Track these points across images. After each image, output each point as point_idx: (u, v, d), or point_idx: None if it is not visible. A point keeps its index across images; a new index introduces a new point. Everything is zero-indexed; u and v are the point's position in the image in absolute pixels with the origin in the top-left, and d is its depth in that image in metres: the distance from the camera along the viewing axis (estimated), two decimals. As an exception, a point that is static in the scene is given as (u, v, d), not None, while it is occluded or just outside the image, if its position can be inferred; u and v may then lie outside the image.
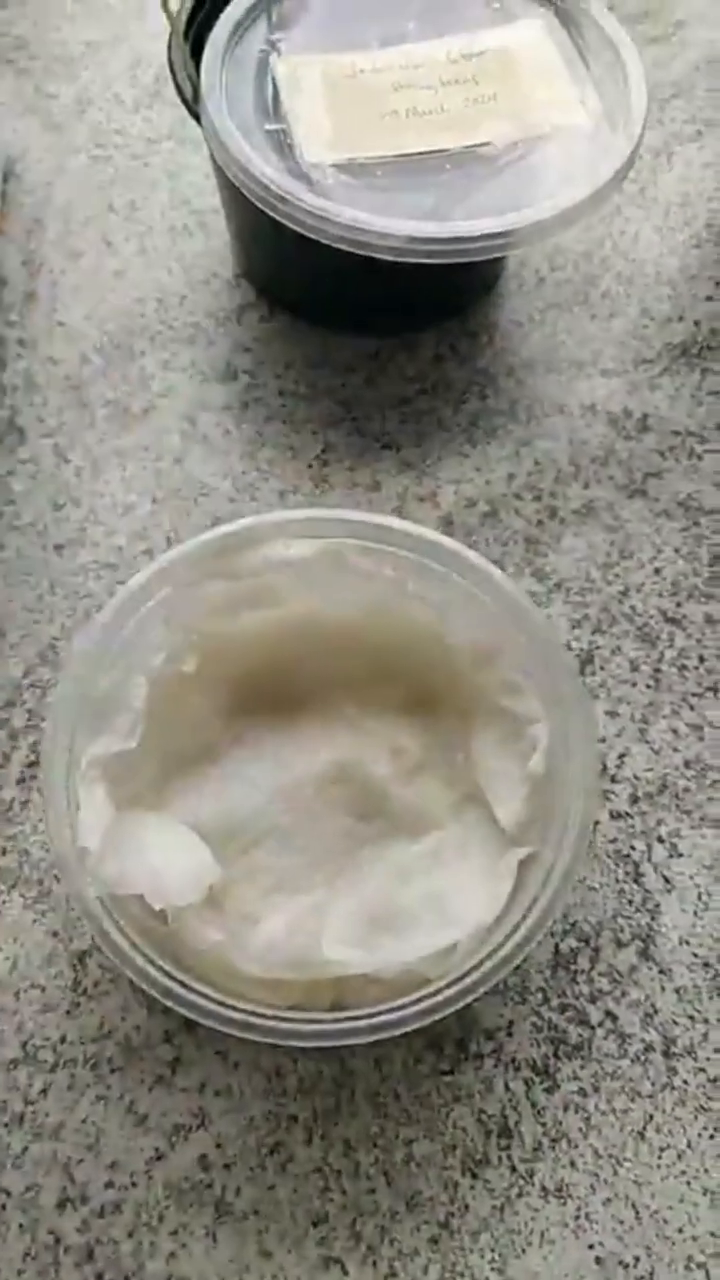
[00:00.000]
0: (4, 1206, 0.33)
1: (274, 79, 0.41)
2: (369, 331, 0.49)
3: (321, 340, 0.50)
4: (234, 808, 0.36)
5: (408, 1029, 0.29)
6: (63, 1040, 0.35)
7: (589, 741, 0.32)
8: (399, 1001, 0.30)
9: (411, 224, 0.37)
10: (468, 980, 0.30)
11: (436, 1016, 0.29)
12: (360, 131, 0.40)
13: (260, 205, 0.38)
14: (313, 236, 0.38)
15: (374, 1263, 0.32)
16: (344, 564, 0.35)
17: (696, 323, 0.51)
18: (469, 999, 0.29)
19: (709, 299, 0.52)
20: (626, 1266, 0.32)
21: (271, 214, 0.38)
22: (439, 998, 0.29)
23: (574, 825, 0.31)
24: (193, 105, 0.41)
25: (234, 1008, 0.30)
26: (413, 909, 0.33)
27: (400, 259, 0.38)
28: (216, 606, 0.35)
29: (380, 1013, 0.29)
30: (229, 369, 0.49)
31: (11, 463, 0.46)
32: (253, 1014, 0.29)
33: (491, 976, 0.30)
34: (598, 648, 0.43)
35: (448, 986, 0.30)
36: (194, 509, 0.45)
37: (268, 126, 0.40)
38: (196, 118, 0.41)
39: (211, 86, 0.40)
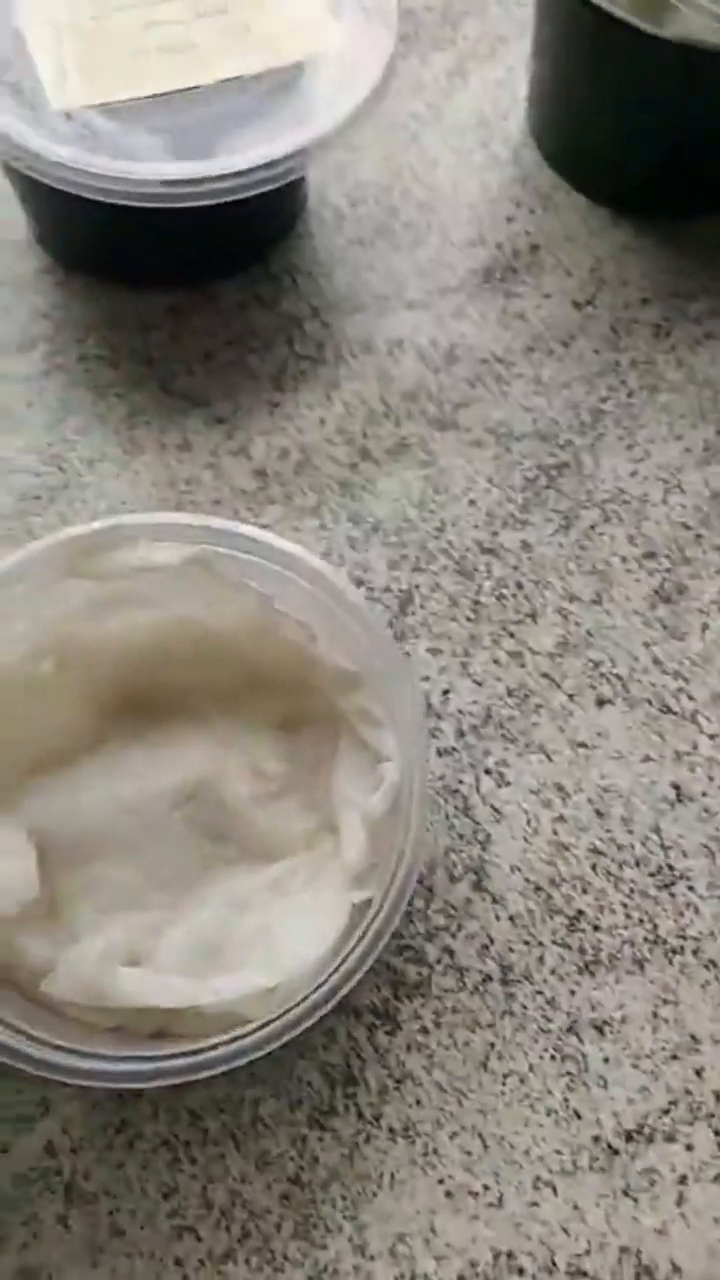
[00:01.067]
0: None
1: (16, 26, 0.39)
2: (168, 285, 0.48)
3: (121, 300, 0.48)
4: (82, 816, 0.35)
5: (212, 1072, 0.29)
6: None
7: (423, 786, 0.32)
8: (203, 1046, 0.29)
9: (164, 166, 0.36)
10: (281, 1022, 0.30)
11: (236, 1064, 0.29)
12: (110, 74, 0.39)
13: (12, 164, 0.37)
14: (65, 189, 0.36)
15: (227, 1227, 0.32)
16: (212, 573, 0.34)
17: (499, 245, 0.51)
18: (272, 1046, 0.29)
19: (509, 220, 0.52)
20: (476, 1195, 0.33)
21: (20, 169, 0.36)
22: (244, 1041, 0.29)
23: (402, 871, 0.31)
24: (-71, 64, 0.39)
25: (36, 1040, 0.29)
26: (244, 942, 0.33)
27: (159, 204, 0.36)
28: (80, 608, 0.34)
29: (179, 1055, 0.29)
30: (26, 338, 0.47)
31: None
32: (54, 1047, 0.29)
33: (300, 1022, 0.29)
34: (417, 586, 0.43)
35: (260, 1028, 0.30)
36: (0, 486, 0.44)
37: (12, 77, 0.38)
38: (-66, 78, 0.39)
39: (-54, 43, 0.38)
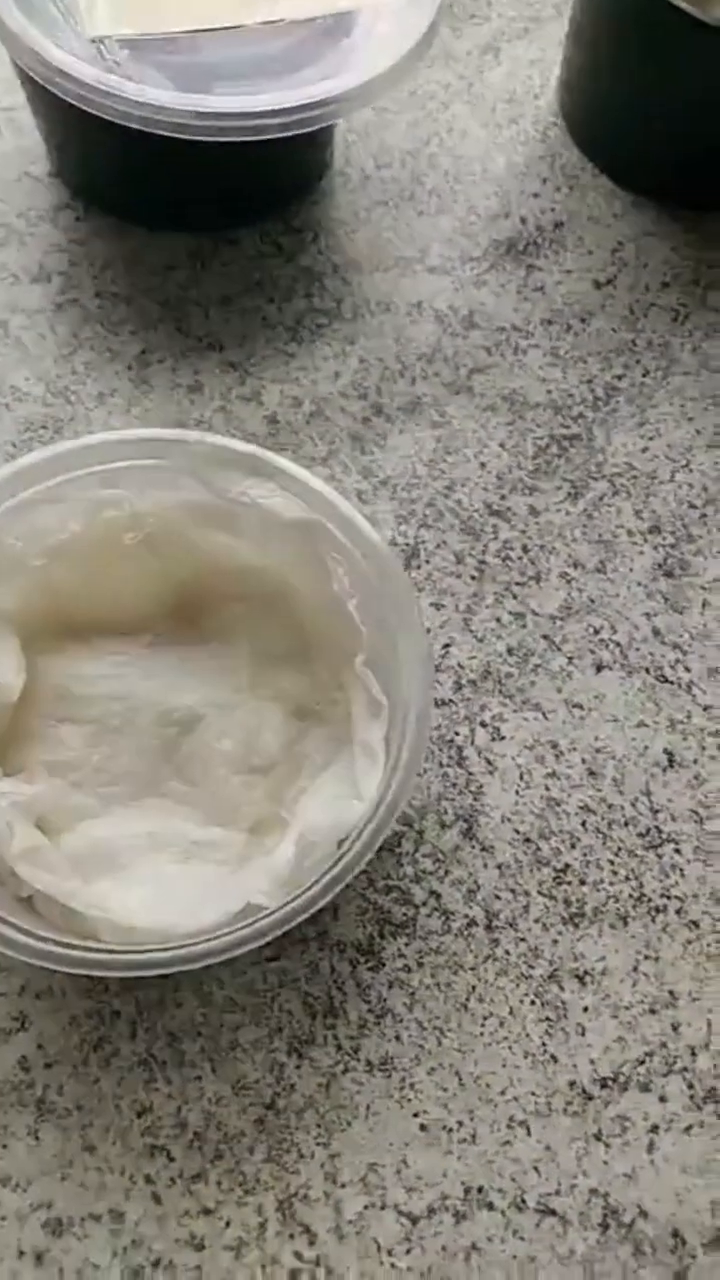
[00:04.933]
0: None
1: (57, -50, 0.39)
2: (188, 228, 0.48)
3: (140, 239, 0.48)
4: (86, 682, 0.35)
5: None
6: None
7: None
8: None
9: (196, 98, 0.36)
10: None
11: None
12: (150, 5, 0.39)
13: (42, 82, 0.37)
14: (97, 113, 0.36)
15: (200, 1148, 0.32)
16: (312, 544, 0.34)
17: (523, 219, 0.51)
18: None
19: (535, 195, 0.52)
20: (450, 1131, 0.33)
21: (54, 90, 0.36)
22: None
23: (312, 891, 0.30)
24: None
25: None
26: (142, 876, 0.33)
27: (183, 135, 0.36)
28: (187, 506, 0.35)
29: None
30: (42, 271, 0.47)
31: None
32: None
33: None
34: (423, 542, 0.43)
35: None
36: (6, 414, 0.44)
37: (49, 1, 0.38)
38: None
39: (-10, -41, 0.38)
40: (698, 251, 0.51)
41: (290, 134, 0.37)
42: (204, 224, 0.48)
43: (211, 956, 0.29)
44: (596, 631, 0.41)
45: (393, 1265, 0.31)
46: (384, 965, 0.35)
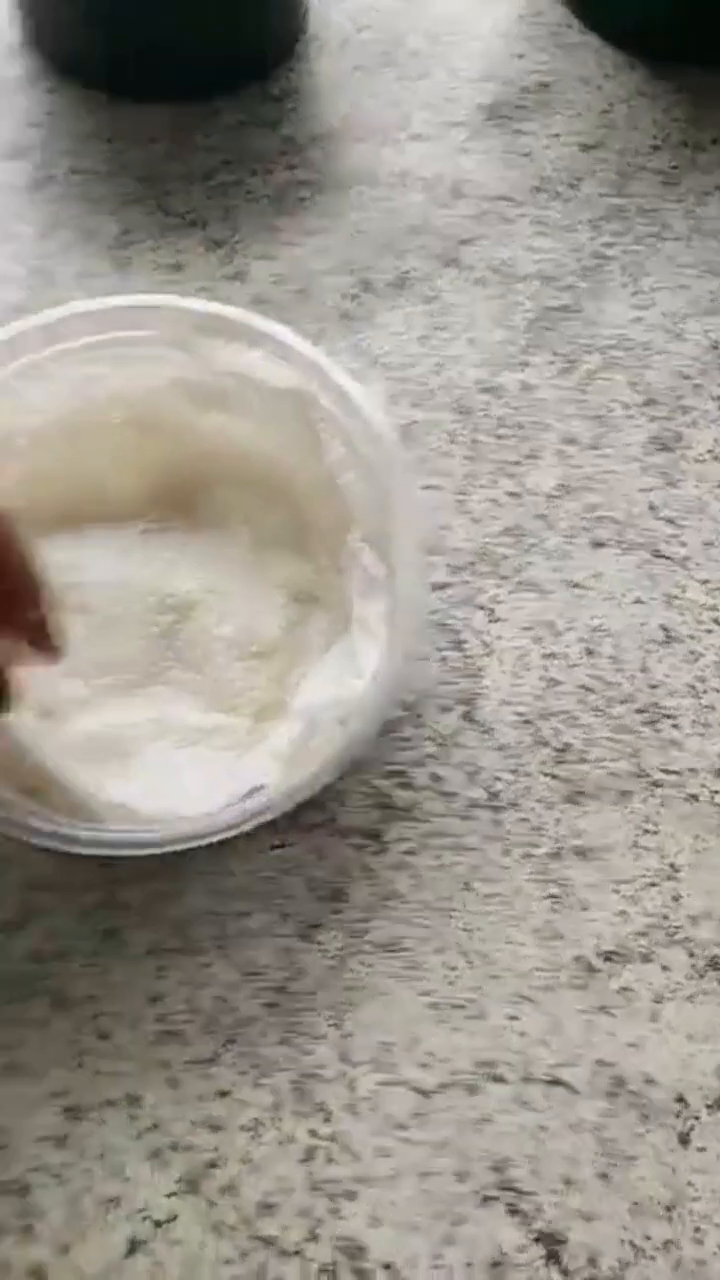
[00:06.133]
0: None
1: None
2: (164, 95, 0.46)
3: (116, 111, 0.46)
4: (83, 570, 0.34)
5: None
6: None
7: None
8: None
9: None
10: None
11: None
12: None
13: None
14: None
15: (213, 1032, 0.32)
16: (305, 413, 0.33)
17: (507, 82, 0.49)
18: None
19: (520, 56, 0.50)
20: (459, 1008, 0.33)
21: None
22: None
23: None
24: None
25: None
26: (149, 762, 0.33)
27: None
28: (173, 382, 0.33)
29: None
30: (15, 147, 0.45)
31: None
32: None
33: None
34: (415, 421, 0.42)
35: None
36: (-16, 299, 0.42)
37: None
38: None
39: None
40: (689, 111, 0.50)
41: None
42: (181, 91, 0.46)
43: (216, 834, 0.29)
44: (593, 509, 0.41)
45: (407, 1139, 0.32)
46: (388, 849, 0.35)
